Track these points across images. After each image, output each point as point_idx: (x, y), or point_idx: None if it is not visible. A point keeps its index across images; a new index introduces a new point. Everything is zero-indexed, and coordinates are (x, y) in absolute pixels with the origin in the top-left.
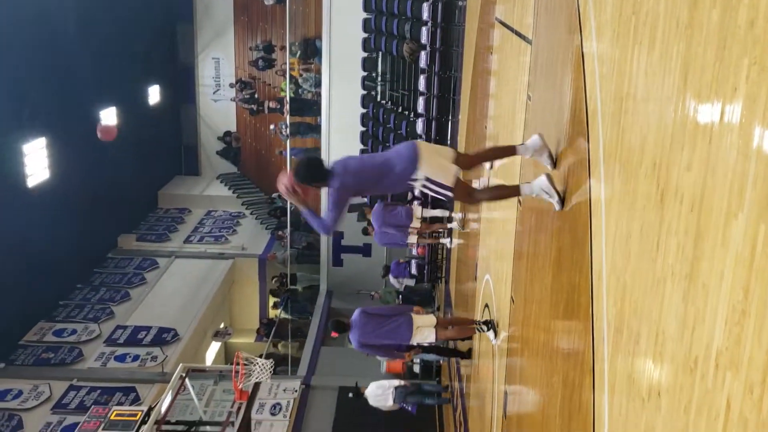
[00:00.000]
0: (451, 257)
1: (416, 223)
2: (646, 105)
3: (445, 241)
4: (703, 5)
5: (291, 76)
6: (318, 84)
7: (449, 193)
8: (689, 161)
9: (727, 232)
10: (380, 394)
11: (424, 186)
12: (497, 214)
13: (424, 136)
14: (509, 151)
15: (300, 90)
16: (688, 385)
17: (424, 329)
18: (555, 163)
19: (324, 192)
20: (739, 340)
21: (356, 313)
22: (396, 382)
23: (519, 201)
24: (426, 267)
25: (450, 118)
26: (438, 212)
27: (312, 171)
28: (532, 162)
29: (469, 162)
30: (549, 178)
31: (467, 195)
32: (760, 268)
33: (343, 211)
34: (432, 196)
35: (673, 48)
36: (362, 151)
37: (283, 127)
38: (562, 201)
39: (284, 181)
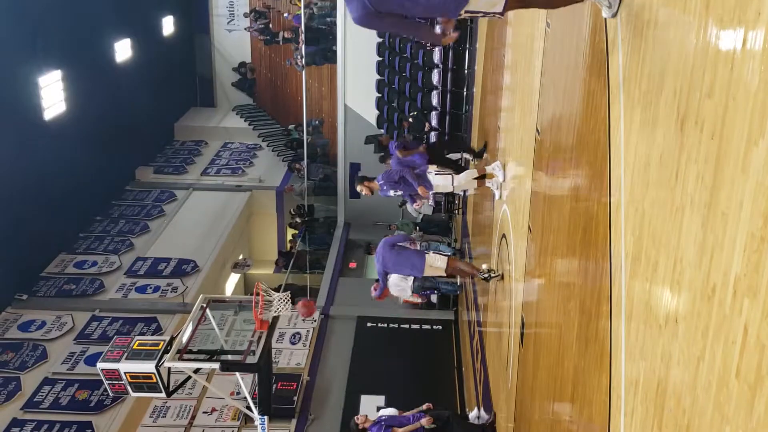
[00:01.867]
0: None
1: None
2: (667, 32)
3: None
4: None
5: (306, 5)
6: (334, 8)
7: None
8: (710, 88)
9: (747, 159)
10: (401, 285)
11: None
12: (515, 147)
13: (441, 65)
14: None
15: (315, 22)
16: (705, 312)
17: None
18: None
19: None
20: (758, 266)
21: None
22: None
23: (537, 130)
24: (444, 198)
25: (467, 46)
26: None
27: None
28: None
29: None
30: None
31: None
32: None
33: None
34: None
35: None
36: (378, 82)
37: (299, 57)
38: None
39: None
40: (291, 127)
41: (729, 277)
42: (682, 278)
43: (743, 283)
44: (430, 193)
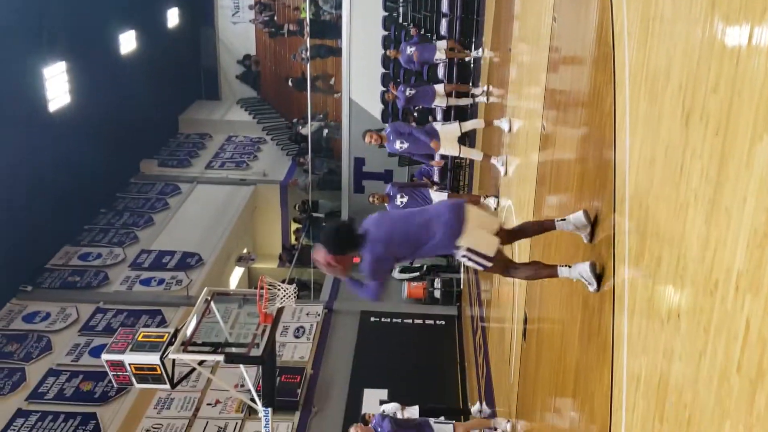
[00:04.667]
0: (474, 164)
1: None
2: (673, 26)
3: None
4: None
5: None
6: (338, 5)
7: (488, 264)
8: (716, 83)
9: (751, 155)
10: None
11: (464, 256)
12: (521, 141)
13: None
14: (548, 226)
15: (321, 11)
16: (707, 307)
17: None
18: (593, 238)
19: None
20: (761, 262)
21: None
22: None
23: (543, 125)
24: (448, 173)
25: (473, 40)
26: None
27: (343, 240)
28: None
29: (509, 237)
30: (593, 266)
31: (504, 269)
32: None
33: (385, 276)
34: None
35: None
36: (383, 76)
37: (303, 51)
38: (599, 285)
39: (319, 258)
40: (295, 120)
41: (732, 272)
42: (685, 274)
43: (746, 279)
44: (439, 154)
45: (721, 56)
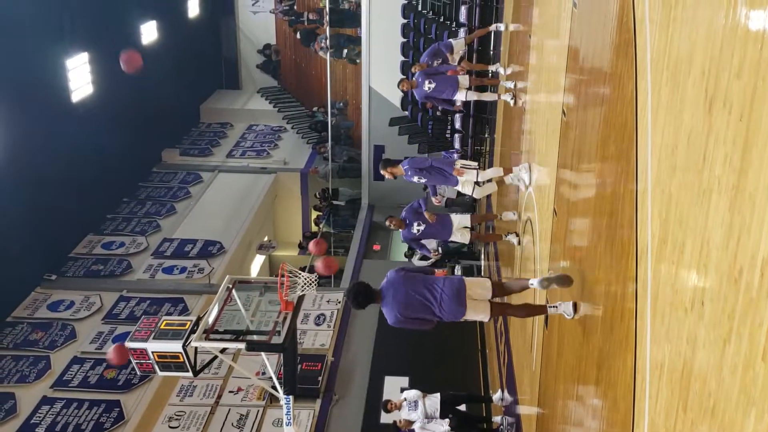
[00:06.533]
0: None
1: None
2: (696, 11)
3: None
4: None
5: None
6: None
7: (486, 320)
8: (739, 68)
9: None
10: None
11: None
12: (542, 130)
13: (465, 49)
14: (523, 285)
15: (340, 0)
16: (732, 294)
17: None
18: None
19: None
20: None
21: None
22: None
23: (564, 112)
24: (471, 126)
25: (491, 30)
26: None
27: (362, 298)
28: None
29: (501, 291)
30: (575, 306)
31: (500, 313)
32: None
33: (414, 323)
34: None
35: None
36: (403, 63)
37: (323, 40)
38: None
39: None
40: (315, 108)
41: (756, 259)
42: (708, 261)
43: None
44: (451, 188)
45: (745, 41)
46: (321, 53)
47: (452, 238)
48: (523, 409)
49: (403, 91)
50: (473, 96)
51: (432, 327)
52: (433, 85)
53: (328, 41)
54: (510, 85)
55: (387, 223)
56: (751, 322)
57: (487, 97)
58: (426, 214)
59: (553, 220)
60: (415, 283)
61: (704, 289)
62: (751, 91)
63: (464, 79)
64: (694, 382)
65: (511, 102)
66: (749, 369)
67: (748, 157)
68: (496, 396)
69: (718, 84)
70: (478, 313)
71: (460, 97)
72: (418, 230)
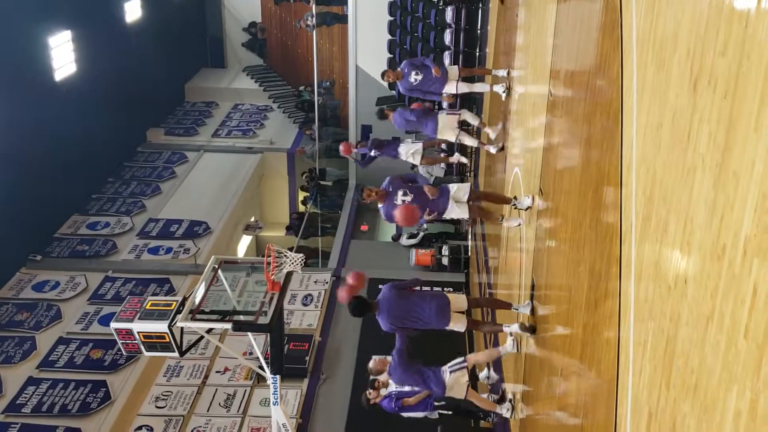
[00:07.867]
0: (480, 151)
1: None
2: None
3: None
4: None
5: None
6: None
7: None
8: (724, 46)
9: (760, 118)
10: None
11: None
12: (528, 110)
13: (453, 25)
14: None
15: None
16: (715, 272)
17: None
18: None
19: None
20: None
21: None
22: None
23: (550, 92)
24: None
25: (480, 5)
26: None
27: (359, 311)
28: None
29: (475, 304)
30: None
31: (472, 327)
32: None
33: (404, 337)
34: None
35: None
36: (390, 42)
37: (309, 17)
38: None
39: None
40: (301, 88)
41: (739, 237)
42: (692, 238)
43: (753, 244)
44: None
45: (730, 19)
46: (308, 30)
47: (449, 213)
48: (508, 387)
49: (388, 82)
50: (464, 88)
51: (419, 332)
52: (420, 77)
53: (314, 19)
54: (503, 73)
55: (364, 195)
56: (733, 299)
57: (479, 88)
58: (425, 188)
59: (539, 198)
60: (407, 302)
61: (687, 266)
62: (736, 68)
63: (453, 71)
64: (677, 360)
65: (503, 94)
66: (731, 346)
67: (733, 135)
68: (483, 374)
69: (703, 62)
70: (456, 324)
71: (449, 89)
72: (403, 200)
